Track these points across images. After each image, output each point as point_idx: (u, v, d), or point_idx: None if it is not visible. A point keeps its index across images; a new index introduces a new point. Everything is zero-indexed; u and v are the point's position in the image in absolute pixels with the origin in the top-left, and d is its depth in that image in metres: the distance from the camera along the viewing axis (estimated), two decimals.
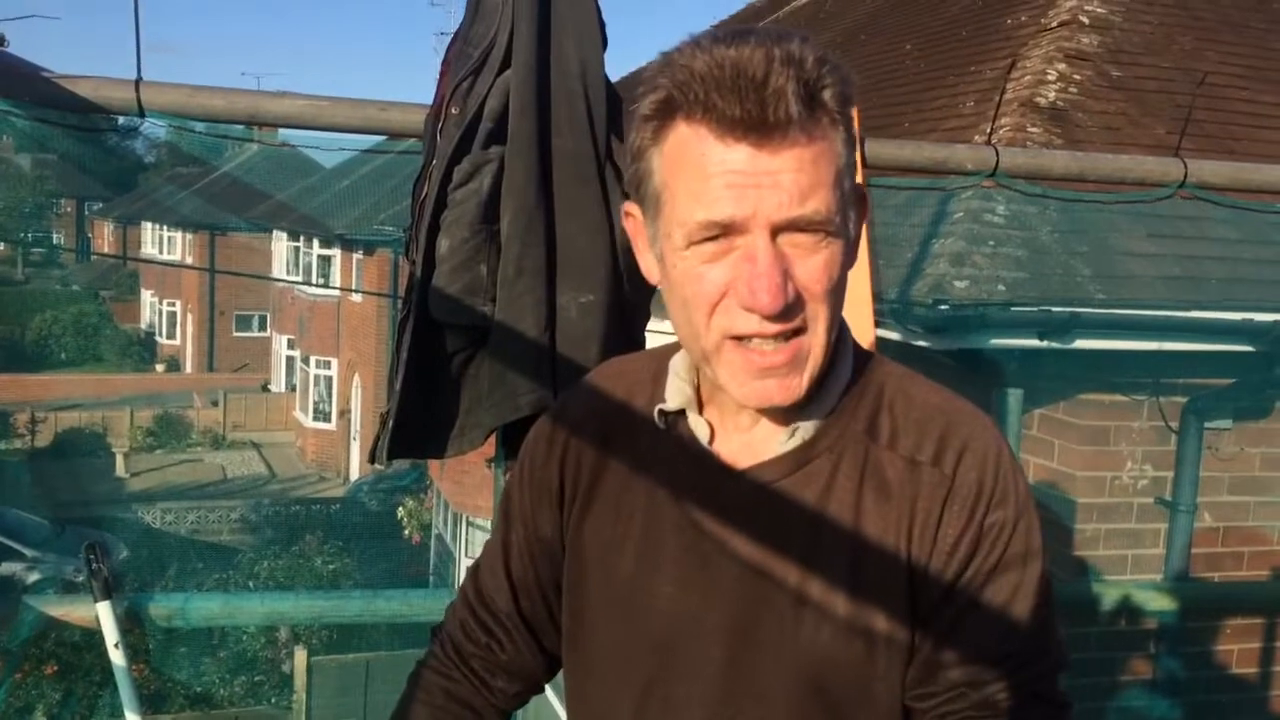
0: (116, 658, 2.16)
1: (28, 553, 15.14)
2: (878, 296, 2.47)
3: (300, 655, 9.25)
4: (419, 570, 15.43)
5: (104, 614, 2.14)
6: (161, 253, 38.17)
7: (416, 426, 1.92)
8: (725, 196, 0.92)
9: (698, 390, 1.09)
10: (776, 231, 0.93)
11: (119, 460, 23.84)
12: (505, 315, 1.84)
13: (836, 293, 0.98)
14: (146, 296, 40.32)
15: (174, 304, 37.68)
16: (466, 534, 13.61)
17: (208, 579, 12.96)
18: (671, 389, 1.09)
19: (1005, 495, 1.01)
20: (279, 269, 28.24)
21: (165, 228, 37.99)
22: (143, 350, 37.64)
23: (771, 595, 1.02)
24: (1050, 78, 5.07)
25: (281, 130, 2.27)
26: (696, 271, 0.96)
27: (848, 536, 1.01)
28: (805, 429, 1.03)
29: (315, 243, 25.72)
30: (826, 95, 0.93)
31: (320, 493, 21.88)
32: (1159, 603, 3.35)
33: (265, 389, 30.59)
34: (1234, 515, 4.27)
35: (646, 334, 1.99)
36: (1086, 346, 3.88)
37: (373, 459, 1.96)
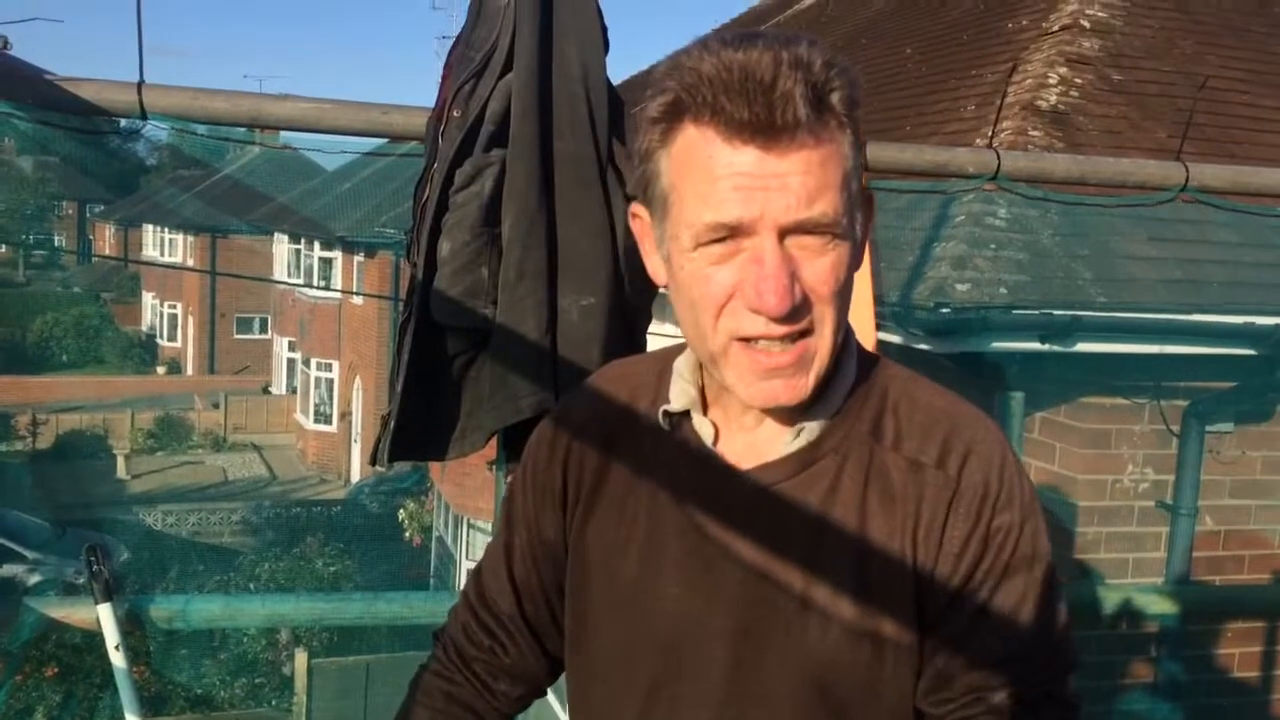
0: (117, 660, 2.16)
1: (29, 554, 15.15)
2: (879, 299, 2.46)
3: (301, 657, 9.26)
4: (420, 573, 15.43)
5: (105, 616, 2.14)
6: (163, 255, 38.19)
7: (418, 429, 1.92)
8: (733, 199, 0.92)
9: (702, 391, 1.09)
10: (784, 234, 0.93)
11: (120, 462, 23.85)
12: (506, 318, 1.85)
13: (843, 295, 0.98)
14: (148, 299, 40.35)
15: (175, 306, 37.70)
16: (467, 536, 13.62)
17: (208, 581, 12.97)
18: (676, 390, 1.09)
19: (1011, 498, 1.01)
20: (280, 271, 28.25)
21: (167, 230, 38.00)
22: (144, 352, 37.67)
23: (776, 597, 1.02)
24: (1051, 81, 5.07)
25: (283, 133, 2.27)
26: (704, 273, 0.96)
27: (853, 538, 1.01)
28: (810, 429, 1.03)
29: (316, 245, 25.73)
30: (834, 98, 0.93)
31: (321, 495, 21.89)
32: (1160, 606, 3.35)
33: (266, 391, 30.60)
34: (1235, 519, 4.26)
35: (648, 336, 2.00)
36: (1088, 350, 3.88)
37: (374, 461, 1.96)
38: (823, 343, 0.98)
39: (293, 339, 28.40)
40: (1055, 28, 5.57)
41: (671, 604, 1.05)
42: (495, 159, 1.85)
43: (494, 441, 2.01)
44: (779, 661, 1.02)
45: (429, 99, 2.00)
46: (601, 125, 1.89)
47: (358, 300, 22.84)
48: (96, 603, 2.14)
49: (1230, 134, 4.92)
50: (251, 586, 12.56)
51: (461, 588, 1.30)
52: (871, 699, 1.01)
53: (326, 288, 25.07)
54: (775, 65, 0.90)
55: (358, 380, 23.69)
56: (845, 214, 0.95)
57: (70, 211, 53.99)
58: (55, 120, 1.99)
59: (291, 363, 28.80)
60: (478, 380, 1.92)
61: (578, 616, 1.14)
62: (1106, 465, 4.13)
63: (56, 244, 53.89)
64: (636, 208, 1.06)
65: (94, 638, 2.21)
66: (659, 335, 1.86)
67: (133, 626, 2.24)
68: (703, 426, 1.07)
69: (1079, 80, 5.11)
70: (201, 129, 2.08)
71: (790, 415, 1.03)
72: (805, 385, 0.98)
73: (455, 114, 1.87)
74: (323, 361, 25.57)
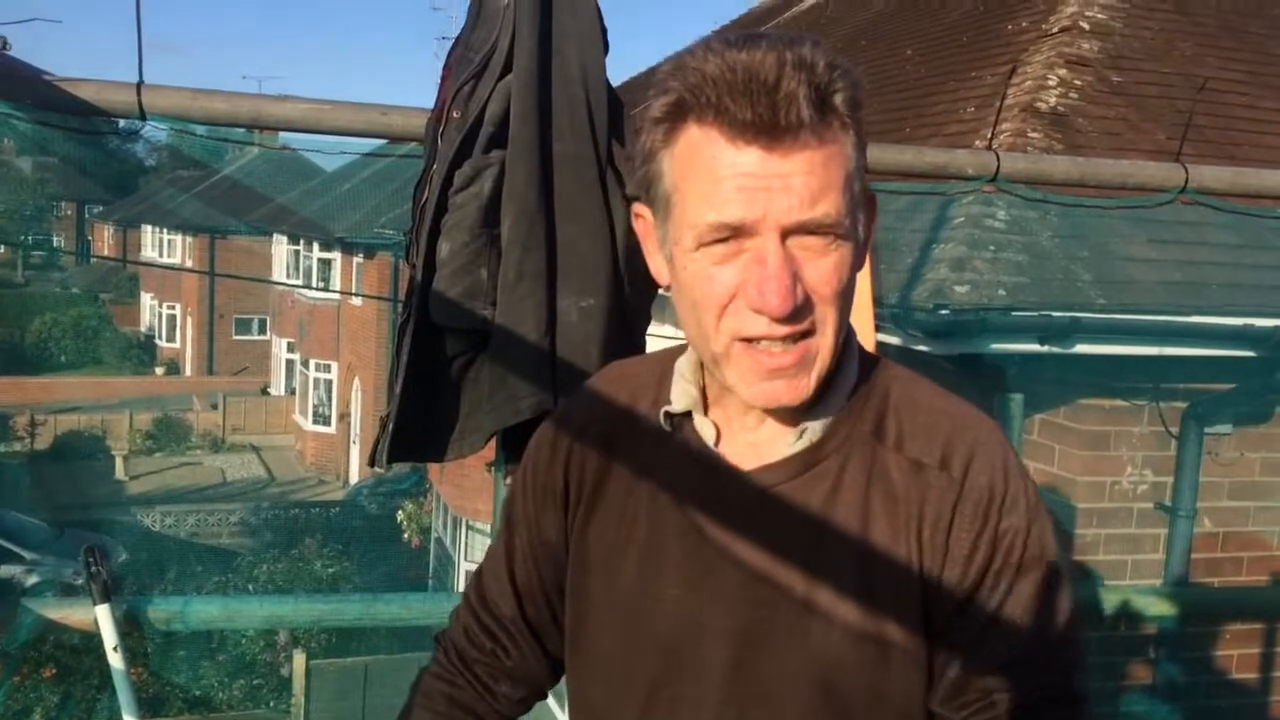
0: (115, 661, 2.16)
1: (27, 555, 15.14)
2: (878, 301, 2.46)
3: (299, 659, 9.24)
4: (418, 574, 15.42)
5: (103, 617, 2.14)
6: (161, 256, 38.18)
7: (416, 430, 1.92)
8: (736, 199, 0.92)
9: (703, 392, 1.09)
10: (786, 234, 0.93)
11: (118, 463, 23.83)
12: (506, 319, 1.84)
13: (845, 295, 0.98)
14: (146, 299, 40.34)
15: (174, 307, 37.68)
16: (466, 538, 13.61)
17: (207, 582, 12.96)
18: (677, 391, 1.09)
19: (1016, 500, 1.01)
20: (279, 272, 28.22)
21: (165, 231, 38.00)
22: (142, 353, 37.65)
23: (778, 599, 1.01)
24: (1051, 83, 5.07)
25: (282, 134, 2.26)
26: (706, 273, 0.96)
27: (856, 540, 1.01)
28: (814, 430, 1.03)
29: (315, 246, 25.70)
30: (837, 99, 0.93)
31: (320, 496, 21.88)
32: (1159, 608, 3.35)
33: (265, 392, 30.58)
34: (1234, 520, 4.26)
35: (647, 338, 2.00)
36: (1087, 351, 3.88)
37: (372, 462, 1.96)
38: (825, 343, 0.97)
39: (291, 340, 28.38)
40: (1054, 29, 5.58)
41: (672, 605, 1.05)
42: (495, 160, 1.85)
43: (493, 443, 2.01)
44: (780, 662, 1.01)
45: (428, 100, 2.00)
46: (601, 127, 1.89)
47: (357, 301, 22.83)
48: (95, 604, 2.14)
49: (1230, 135, 4.92)
50: (250, 588, 12.55)
51: (461, 589, 1.29)
52: (876, 700, 1.01)
53: (325, 289, 25.05)
54: (779, 66, 0.90)
55: (356, 381, 23.68)
56: (848, 215, 0.95)
57: (69, 212, 53.99)
58: (54, 121, 1.99)
59: (290, 364, 28.78)
60: (477, 381, 1.92)
61: (578, 617, 1.13)
62: (1105, 467, 4.13)
63: (55, 244, 53.89)
64: (639, 208, 1.06)
65: (92, 639, 2.20)
66: (658, 336, 1.86)
67: (131, 627, 2.23)
68: (704, 427, 1.07)
69: (1078, 82, 5.11)
70: (200, 129, 2.08)
71: (792, 416, 1.03)
72: (807, 386, 0.98)
73: (455, 115, 1.87)
74: (321, 362, 25.55)
